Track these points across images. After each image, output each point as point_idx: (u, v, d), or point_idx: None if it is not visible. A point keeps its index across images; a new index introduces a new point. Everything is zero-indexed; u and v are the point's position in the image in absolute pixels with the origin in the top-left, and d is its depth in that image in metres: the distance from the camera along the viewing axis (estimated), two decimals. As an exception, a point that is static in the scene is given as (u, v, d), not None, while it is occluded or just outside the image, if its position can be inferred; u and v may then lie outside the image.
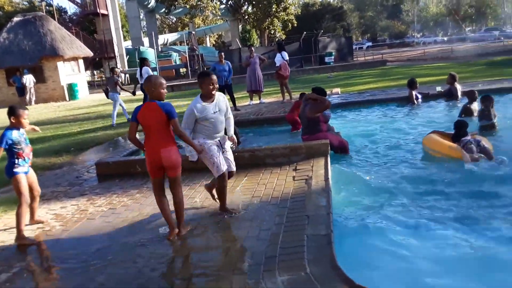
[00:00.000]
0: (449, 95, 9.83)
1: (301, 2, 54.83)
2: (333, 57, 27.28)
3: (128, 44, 36.54)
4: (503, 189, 4.90)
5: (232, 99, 11.74)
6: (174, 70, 31.56)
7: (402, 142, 7.26)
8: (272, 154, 6.15)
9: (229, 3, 36.35)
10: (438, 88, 10.45)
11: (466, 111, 8.04)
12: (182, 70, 31.58)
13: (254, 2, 33.98)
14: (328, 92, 11.90)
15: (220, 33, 55.82)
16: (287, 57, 12.34)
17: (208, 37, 52.01)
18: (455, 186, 5.12)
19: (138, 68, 11.27)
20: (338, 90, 13.72)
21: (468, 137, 5.71)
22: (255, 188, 5.08)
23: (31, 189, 4.44)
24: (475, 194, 4.89)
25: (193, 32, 31.10)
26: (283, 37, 36.11)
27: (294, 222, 3.99)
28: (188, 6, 31.64)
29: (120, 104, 11.15)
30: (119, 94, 11.09)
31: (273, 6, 33.56)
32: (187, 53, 27.84)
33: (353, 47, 32.83)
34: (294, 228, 3.85)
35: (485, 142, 5.81)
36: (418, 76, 17.21)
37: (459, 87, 9.94)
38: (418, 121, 8.70)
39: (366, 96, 12.22)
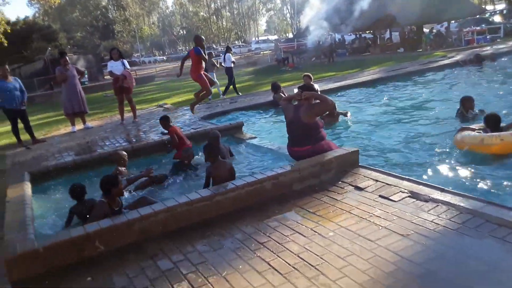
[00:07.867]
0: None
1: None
2: (86, 76, 23.87)
3: None
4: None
5: (29, 130, 8.56)
6: None
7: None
8: (300, 176, 4.46)
9: None
10: (296, 90, 10.44)
11: None
12: None
13: None
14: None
15: None
16: (128, 65, 9.73)
17: None
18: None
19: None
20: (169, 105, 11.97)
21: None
22: (383, 226, 3.40)
23: None
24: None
25: None
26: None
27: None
28: None
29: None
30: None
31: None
32: None
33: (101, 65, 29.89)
34: None
35: None
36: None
37: (317, 86, 10.17)
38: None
39: (230, 104, 11.27)
